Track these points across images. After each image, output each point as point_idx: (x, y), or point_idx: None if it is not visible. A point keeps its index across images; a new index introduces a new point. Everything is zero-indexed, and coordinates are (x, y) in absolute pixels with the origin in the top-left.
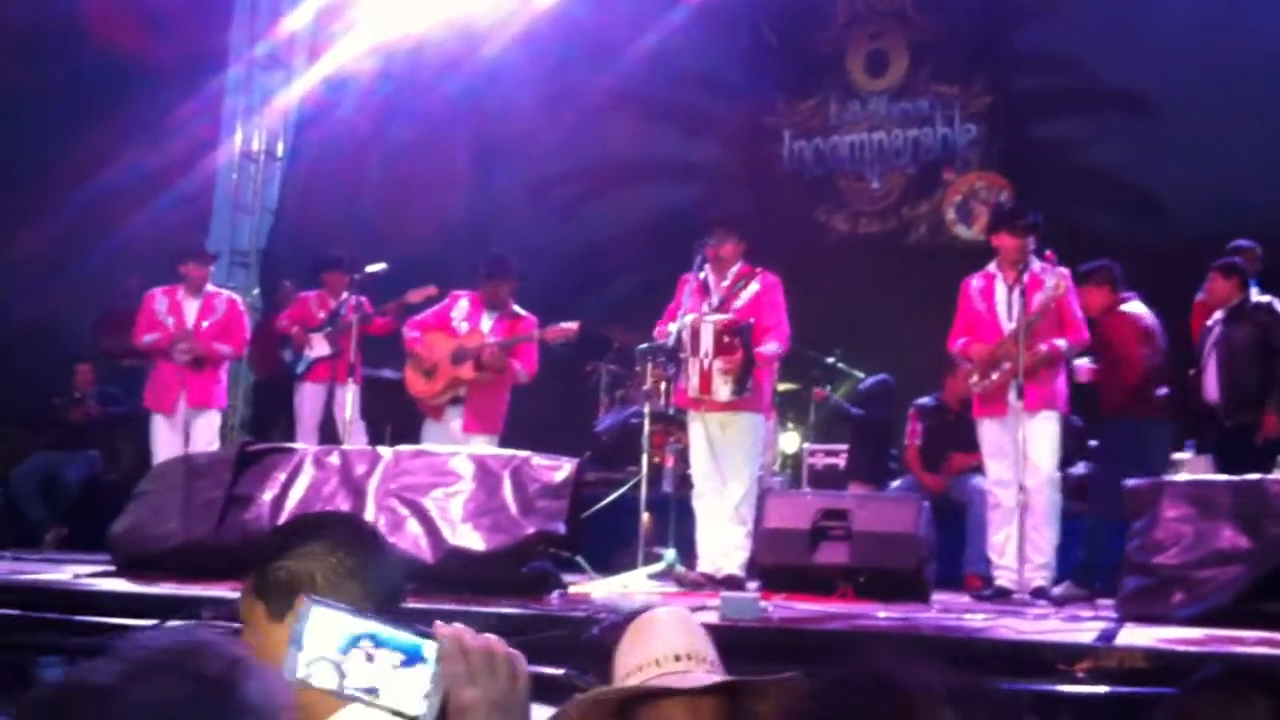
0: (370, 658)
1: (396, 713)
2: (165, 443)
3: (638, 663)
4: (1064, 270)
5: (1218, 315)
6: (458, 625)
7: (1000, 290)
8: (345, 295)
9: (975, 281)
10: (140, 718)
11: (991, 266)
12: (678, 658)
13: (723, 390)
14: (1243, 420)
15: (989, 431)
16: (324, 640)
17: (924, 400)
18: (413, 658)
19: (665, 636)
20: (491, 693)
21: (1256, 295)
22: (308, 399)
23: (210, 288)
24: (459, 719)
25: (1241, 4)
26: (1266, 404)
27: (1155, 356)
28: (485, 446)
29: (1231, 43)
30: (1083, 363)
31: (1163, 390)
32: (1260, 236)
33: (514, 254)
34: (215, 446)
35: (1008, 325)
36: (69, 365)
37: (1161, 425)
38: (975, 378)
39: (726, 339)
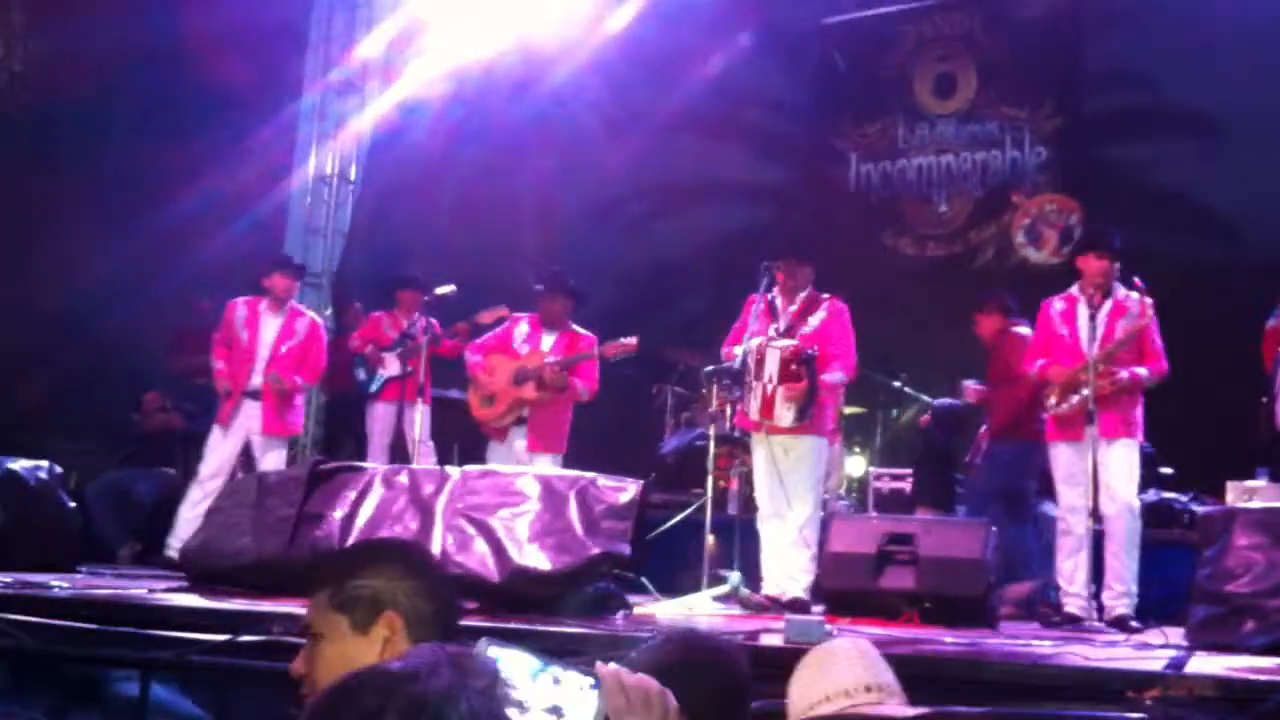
0: (557, 681)
1: None
2: (215, 448)
3: (825, 693)
4: (1149, 300)
5: None
6: (615, 665)
7: (1082, 314)
8: (416, 316)
9: (1057, 304)
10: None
11: (1074, 289)
12: (868, 689)
13: (785, 416)
14: None
15: (1063, 456)
16: (514, 672)
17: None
18: (586, 690)
19: (852, 668)
20: None
21: None
22: (379, 418)
23: (294, 304)
24: None
25: None
26: None
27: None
28: (550, 466)
29: None
30: (970, 383)
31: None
32: None
33: (580, 275)
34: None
35: (1089, 350)
36: (145, 386)
37: (1043, 445)
38: (1053, 400)
39: (793, 367)
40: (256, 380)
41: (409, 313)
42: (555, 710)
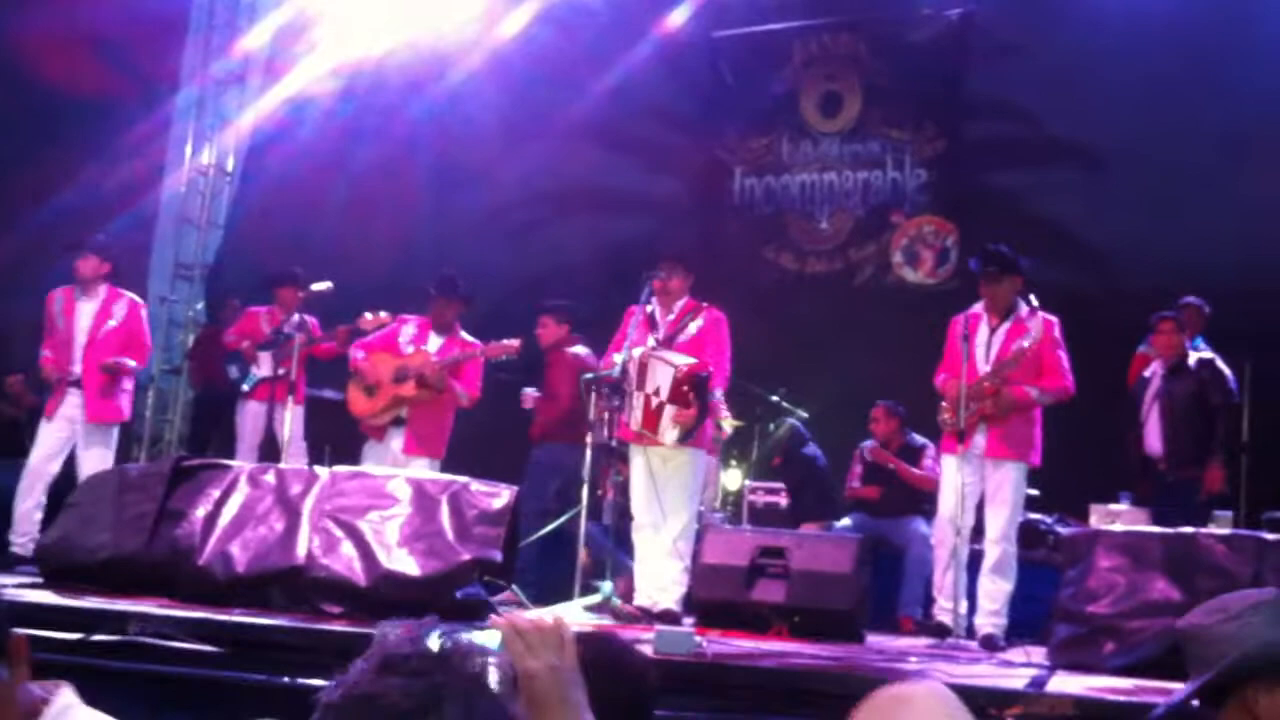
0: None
1: None
2: (41, 440)
3: None
4: (1053, 318)
5: (1155, 368)
6: (509, 613)
7: (983, 331)
8: (294, 314)
9: (962, 320)
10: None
11: (978, 307)
12: None
13: (669, 436)
14: (1184, 475)
15: (948, 468)
16: None
17: (867, 444)
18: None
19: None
20: (549, 659)
21: (1198, 353)
22: (250, 417)
23: (111, 287)
24: (528, 684)
25: (1192, 63)
26: (1208, 460)
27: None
28: (425, 470)
29: (1181, 101)
30: (529, 391)
31: None
32: (1203, 292)
33: (468, 278)
34: (109, 463)
35: (984, 367)
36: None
37: (578, 449)
38: (945, 415)
39: (685, 389)
40: (76, 368)
41: (287, 310)
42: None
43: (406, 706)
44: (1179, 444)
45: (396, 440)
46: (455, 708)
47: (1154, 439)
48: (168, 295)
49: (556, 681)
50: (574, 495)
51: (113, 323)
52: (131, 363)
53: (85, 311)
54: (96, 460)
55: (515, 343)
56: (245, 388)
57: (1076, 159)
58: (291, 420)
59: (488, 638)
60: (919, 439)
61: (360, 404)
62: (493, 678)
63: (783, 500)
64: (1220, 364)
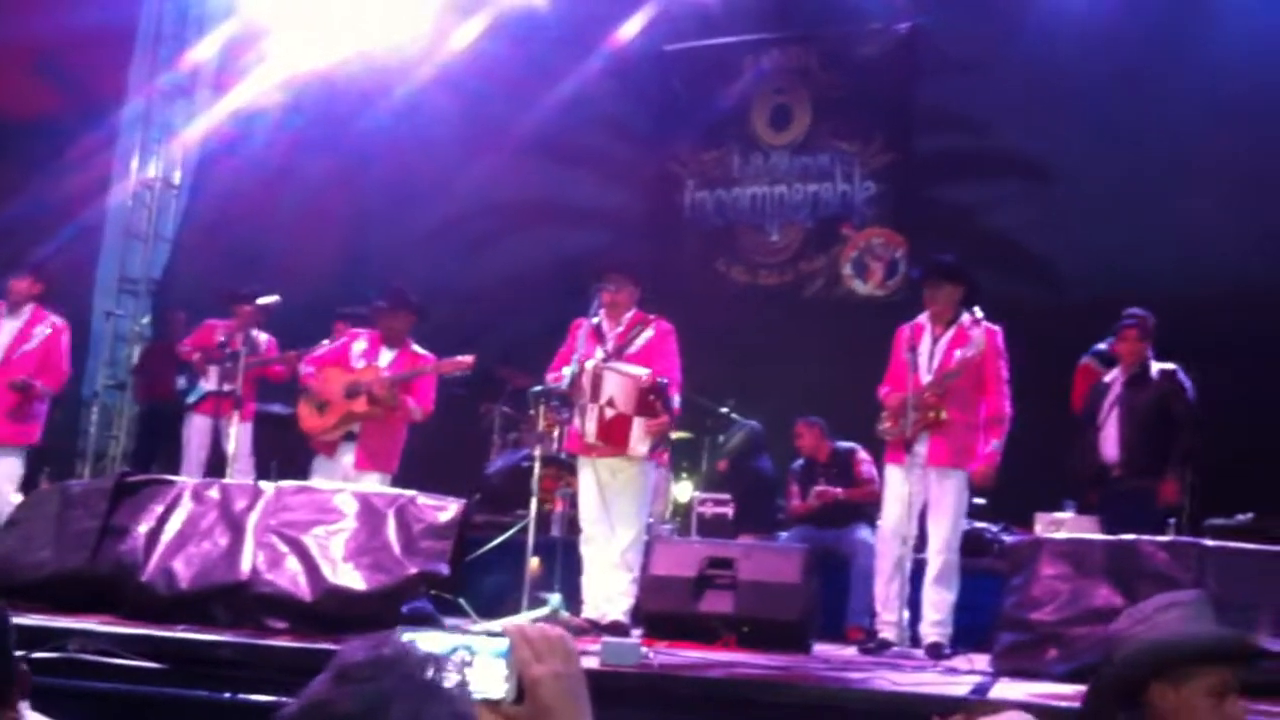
0: (467, 664)
1: (487, 699)
2: None
3: None
4: (996, 328)
5: (1116, 375)
6: (517, 620)
7: (926, 341)
8: (249, 330)
9: (907, 330)
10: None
11: (923, 317)
12: None
13: (641, 447)
14: (1140, 485)
15: (891, 478)
16: None
17: (797, 463)
18: (494, 654)
19: None
20: (555, 666)
21: (1159, 363)
22: (196, 431)
23: (37, 308)
24: (534, 690)
25: (1139, 75)
26: (1166, 471)
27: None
28: (374, 484)
29: (1130, 113)
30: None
31: None
32: (1147, 304)
33: (421, 291)
34: (13, 486)
35: (926, 377)
36: None
37: None
38: (886, 424)
39: (651, 398)
40: None
41: (244, 325)
42: (464, 683)
43: (354, 710)
44: (1136, 452)
45: (348, 455)
46: (403, 711)
47: (1110, 446)
48: (113, 310)
49: (562, 688)
50: None
51: (30, 345)
52: (42, 385)
53: (6, 330)
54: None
55: (469, 359)
56: (190, 400)
57: (1024, 172)
58: (238, 436)
59: (498, 644)
60: (845, 444)
61: (311, 421)
62: (448, 682)
63: (731, 511)
64: (1181, 375)
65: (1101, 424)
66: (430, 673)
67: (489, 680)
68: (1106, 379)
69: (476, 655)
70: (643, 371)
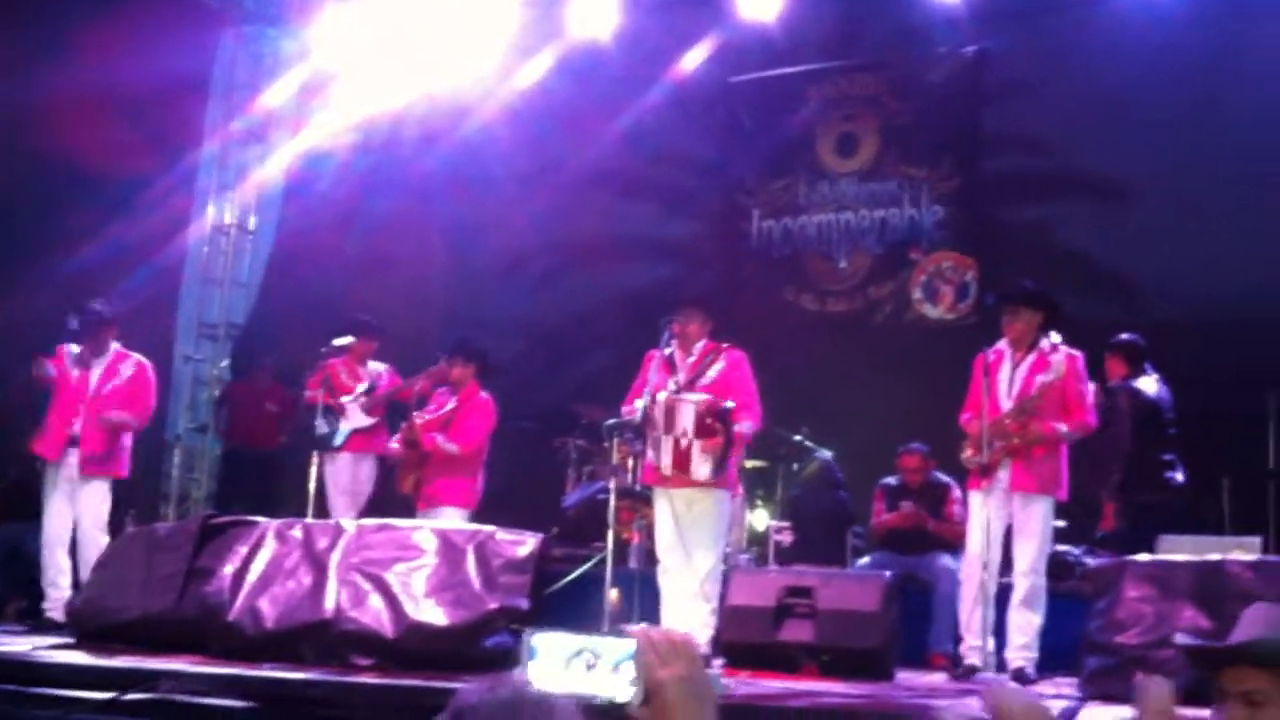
0: (591, 666)
1: (613, 703)
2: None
3: None
4: (1076, 353)
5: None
6: (643, 624)
7: (1005, 367)
8: (380, 366)
9: (988, 357)
10: None
11: (1001, 343)
12: None
13: (702, 470)
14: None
15: (975, 504)
16: (551, 657)
17: (888, 480)
18: (620, 658)
19: None
20: (679, 670)
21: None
22: (340, 470)
23: (117, 348)
24: (658, 693)
25: (1210, 92)
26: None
27: None
28: (451, 520)
29: (1197, 128)
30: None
31: None
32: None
33: (487, 329)
34: (103, 519)
35: (1006, 403)
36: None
37: None
38: (968, 452)
39: (709, 420)
40: (76, 426)
41: (361, 360)
42: (586, 694)
43: None
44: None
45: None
46: None
47: None
48: (192, 354)
49: (687, 690)
50: None
51: (118, 380)
52: (130, 417)
53: (95, 368)
54: (91, 518)
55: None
56: (337, 443)
57: (1094, 191)
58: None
59: (624, 646)
60: (943, 477)
61: (409, 486)
62: None
63: (790, 538)
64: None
65: None
66: (547, 713)
67: (615, 684)
68: None
69: (602, 658)
70: (703, 396)
